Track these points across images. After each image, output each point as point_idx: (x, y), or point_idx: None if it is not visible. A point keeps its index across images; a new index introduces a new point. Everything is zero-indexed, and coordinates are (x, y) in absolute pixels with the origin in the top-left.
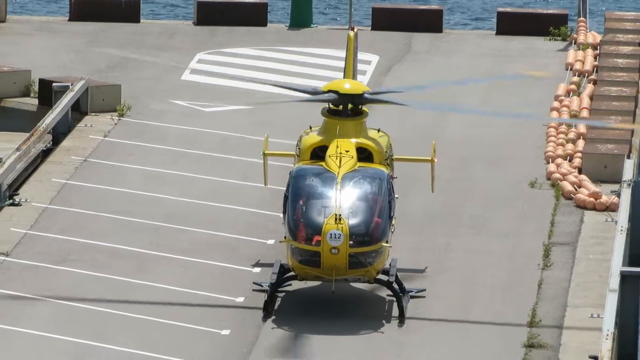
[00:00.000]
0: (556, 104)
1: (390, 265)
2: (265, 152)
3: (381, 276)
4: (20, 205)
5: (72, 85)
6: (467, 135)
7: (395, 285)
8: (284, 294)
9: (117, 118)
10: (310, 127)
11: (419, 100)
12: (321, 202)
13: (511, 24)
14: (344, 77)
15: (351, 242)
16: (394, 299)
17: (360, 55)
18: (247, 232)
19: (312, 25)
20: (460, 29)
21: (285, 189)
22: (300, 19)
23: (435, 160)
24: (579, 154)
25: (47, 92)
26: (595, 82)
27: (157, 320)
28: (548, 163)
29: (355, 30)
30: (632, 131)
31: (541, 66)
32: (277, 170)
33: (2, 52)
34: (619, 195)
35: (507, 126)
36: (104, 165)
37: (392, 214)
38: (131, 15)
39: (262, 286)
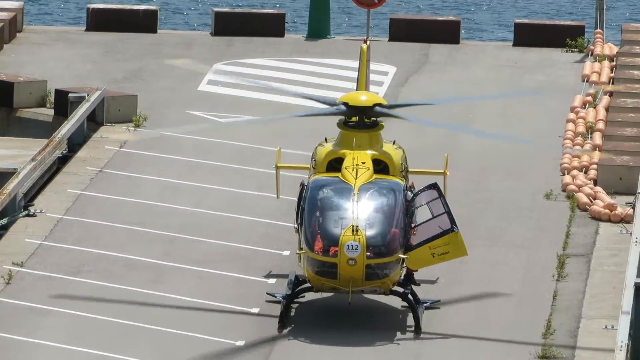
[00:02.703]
0: (572, 115)
1: (401, 278)
2: (278, 164)
3: (397, 288)
4: (35, 216)
5: (88, 95)
6: (482, 147)
7: (410, 297)
8: (297, 305)
9: (133, 129)
10: (326, 139)
11: (434, 115)
12: (338, 214)
13: (528, 35)
14: (356, 89)
15: (368, 253)
16: (409, 309)
17: (378, 66)
18: (262, 242)
19: (330, 36)
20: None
21: (297, 200)
22: (318, 29)
23: (448, 173)
24: (595, 166)
25: (63, 103)
26: (611, 94)
27: (171, 331)
28: (563, 175)
29: (369, 42)
30: None
31: (557, 77)
32: (292, 182)
33: (18, 62)
34: (634, 207)
35: (524, 137)
36: (119, 176)
37: (414, 224)
38: (149, 25)
39: (276, 297)
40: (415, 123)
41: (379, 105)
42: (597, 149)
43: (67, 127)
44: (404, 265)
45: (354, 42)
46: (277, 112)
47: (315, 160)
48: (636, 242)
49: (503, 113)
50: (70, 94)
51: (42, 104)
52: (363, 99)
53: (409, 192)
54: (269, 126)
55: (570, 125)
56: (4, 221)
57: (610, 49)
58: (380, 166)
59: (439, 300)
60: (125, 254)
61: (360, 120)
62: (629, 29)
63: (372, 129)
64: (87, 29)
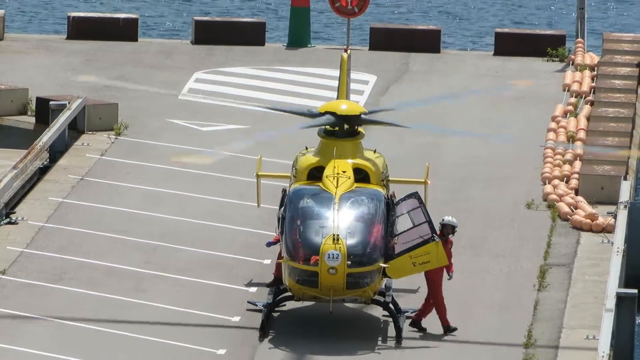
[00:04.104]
0: (553, 124)
1: (385, 286)
2: (259, 173)
3: (377, 297)
4: (17, 223)
5: (69, 103)
6: (464, 156)
7: (392, 306)
8: (279, 313)
9: (114, 137)
10: (307, 148)
11: (417, 122)
12: (319, 223)
13: (509, 45)
14: (337, 98)
15: (349, 262)
16: (390, 319)
17: (358, 75)
18: (244, 251)
19: (310, 45)
20: (458, 49)
21: (278, 208)
22: (298, 38)
23: (429, 182)
24: (576, 175)
25: (44, 111)
26: (592, 103)
27: (152, 339)
28: (545, 184)
29: (349, 52)
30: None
31: (538, 87)
32: (273, 190)
33: None
34: (615, 217)
35: (505, 147)
36: (100, 184)
37: (395, 233)
38: (129, 34)
39: (257, 305)
40: (401, 129)
41: (363, 113)
42: (577, 158)
43: (48, 135)
44: (385, 274)
45: (334, 50)
46: (258, 121)
47: (296, 169)
48: (618, 252)
49: (484, 122)
50: (51, 102)
51: (23, 112)
52: (343, 107)
53: (389, 201)
54: (249, 134)
55: (552, 135)
56: None
57: (592, 58)
58: (361, 175)
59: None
60: (107, 261)
61: (341, 129)
62: (610, 39)
63: (353, 138)
64: (68, 37)
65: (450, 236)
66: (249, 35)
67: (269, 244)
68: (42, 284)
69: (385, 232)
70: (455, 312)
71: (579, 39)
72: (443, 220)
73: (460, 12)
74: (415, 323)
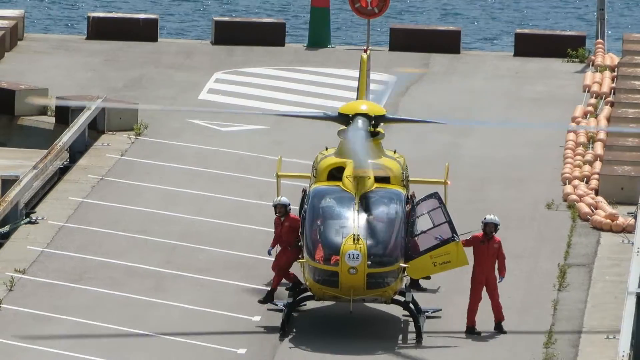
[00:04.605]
0: (573, 125)
1: (405, 285)
2: (279, 173)
3: (398, 297)
4: (37, 223)
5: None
6: (484, 157)
7: (412, 306)
8: (299, 313)
9: (134, 137)
10: (327, 148)
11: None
12: (339, 223)
13: (529, 45)
14: (357, 99)
15: (369, 262)
16: (410, 318)
17: (378, 76)
18: (264, 251)
19: (330, 46)
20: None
21: (299, 208)
22: (318, 39)
23: (449, 182)
24: (596, 176)
25: (64, 111)
26: (612, 104)
27: (173, 339)
28: (565, 184)
29: (369, 52)
30: None
31: (558, 88)
32: (293, 190)
33: (19, 70)
34: (635, 217)
35: (524, 147)
36: (120, 184)
37: (415, 233)
38: (149, 34)
39: (277, 305)
40: (421, 130)
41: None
42: (598, 158)
43: (68, 135)
44: (405, 274)
45: (354, 51)
46: (278, 121)
47: (316, 169)
48: (638, 252)
49: (503, 123)
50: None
51: (43, 112)
52: (363, 108)
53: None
54: (269, 135)
55: (572, 135)
56: (6, 229)
57: (612, 59)
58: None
59: (440, 309)
60: (127, 261)
61: None
62: (630, 39)
63: (373, 138)
64: (88, 38)
65: (494, 235)
66: (269, 35)
67: (270, 252)
68: (62, 284)
69: (406, 232)
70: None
71: (599, 40)
72: (485, 219)
73: (479, 13)
74: (471, 330)
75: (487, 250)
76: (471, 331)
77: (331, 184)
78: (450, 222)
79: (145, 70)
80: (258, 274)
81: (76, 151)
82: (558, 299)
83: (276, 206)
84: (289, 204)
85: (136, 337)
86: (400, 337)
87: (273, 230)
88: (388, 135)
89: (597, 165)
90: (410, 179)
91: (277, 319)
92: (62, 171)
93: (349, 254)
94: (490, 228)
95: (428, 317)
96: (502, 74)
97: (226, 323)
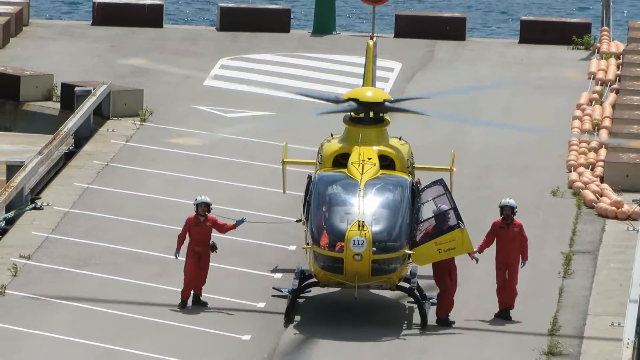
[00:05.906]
0: (578, 112)
1: (410, 272)
2: (285, 160)
3: (402, 283)
4: (42, 209)
5: (94, 89)
6: (488, 144)
7: (417, 292)
8: (304, 299)
9: (139, 123)
10: (332, 135)
11: (440, 111)
12: (344, 209)
13: (535, 33)
14: (363, 85)
15: (374, 248)
16: (415, 305)
17: (383, 63)
18: (268, 237)
19: (335, 32)
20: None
21: (304, 194)
22: (323, 25)
23: (455, 169)
24: (601, 163)
25: (70, 96)
26: (617, 91)
27: (177, 324)
28: (570, 172)
29: (375, 39)
30: None
31: (564, 75)
32: (298, 177)
33: (24, 56)
34: None
35: (529, 135)
36: (125, 170)
37: (420, 219)
38: (154, 20)
39: (282, 291)
40: (426, 116)
41: (388, 100)
42: (603, 145)
43: (73, 121)
44: (410, 260)
45: (359, 38)
46: (282, 108)
47: (321, 155)
48: None
49: (508, 110)
50: (76, 88)
51: (48, 98)
52: (369, 94)
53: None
54: (274, 121)
55: (577, 123)
56: (11, 214)
57: (617, 46)
58: (387, 162)
59: None
60: (132, 247)
61: (366, 116)
62: (635, 27)
63: (378, 125)
64: (93, 24)
65: (514, 218)
66: (274, 22)
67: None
68: (67, 270)
69: (411, 219)
70: (479, 299)
71: (604, 27)
72: (501, 202)
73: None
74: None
75: (507, 235)
76: (503, 315)
77: (336, 171)
78: (455, 209)
79: (150, 56)
80: (263, 260)
81: (81, 137)
82: (563, 286)
83: (199, 205)
84: (212, 203)
85: (140, 323)
86: (405, 323)
87: (278, 216)
88: (393, 122)
89: (602, 152)
90: (415, 165)
91: (281, 306)
92: (67, 157)
93: (354, 241)
94: (507, 211)
95: (433, 304)
96: (508, 61)
97: (231, 309)
